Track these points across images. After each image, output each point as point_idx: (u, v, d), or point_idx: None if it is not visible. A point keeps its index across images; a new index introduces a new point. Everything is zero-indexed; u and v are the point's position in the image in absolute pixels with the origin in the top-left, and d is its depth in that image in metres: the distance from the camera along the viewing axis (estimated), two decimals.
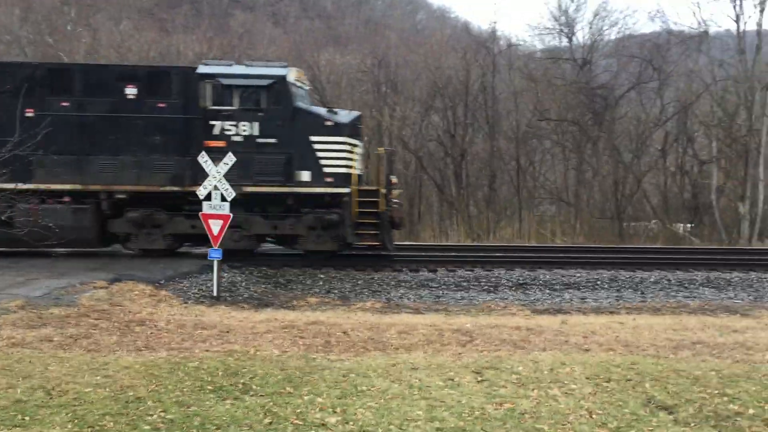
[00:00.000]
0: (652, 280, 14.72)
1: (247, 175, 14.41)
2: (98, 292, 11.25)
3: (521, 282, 14.52)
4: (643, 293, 13.97)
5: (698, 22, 57.28)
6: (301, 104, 15.22)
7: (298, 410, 5.84)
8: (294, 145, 14.68)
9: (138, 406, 5.91)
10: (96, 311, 10.13)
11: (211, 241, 12.17)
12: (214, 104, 14.61)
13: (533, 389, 6.54)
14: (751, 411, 6.02)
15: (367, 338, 8.96)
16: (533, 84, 34.68)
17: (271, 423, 5.59)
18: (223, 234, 12.21)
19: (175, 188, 14.64)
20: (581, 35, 43.26)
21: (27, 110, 14.36)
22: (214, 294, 12.26)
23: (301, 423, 5.58)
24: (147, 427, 5.47)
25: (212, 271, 12.35)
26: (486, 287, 14.20)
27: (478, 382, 6.79)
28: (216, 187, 12.33)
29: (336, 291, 13.80)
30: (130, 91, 14.61)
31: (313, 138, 14.69)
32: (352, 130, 15.26)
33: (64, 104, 14.57)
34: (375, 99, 33.33)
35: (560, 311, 12.29)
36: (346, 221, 15.02)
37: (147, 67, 16.08)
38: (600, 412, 5.93)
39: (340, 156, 14.81)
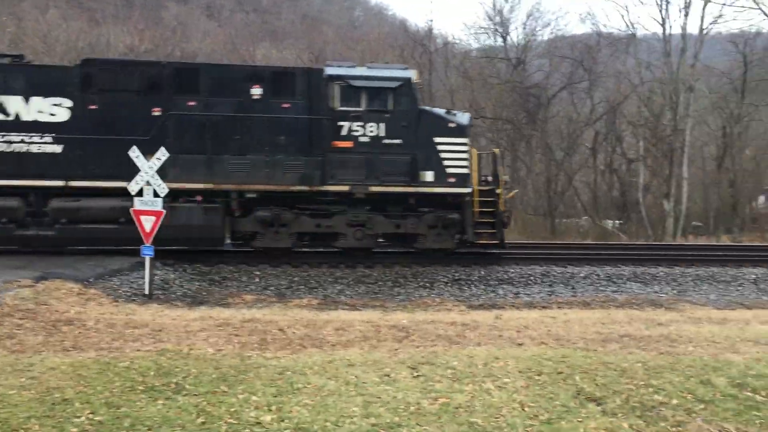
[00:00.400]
0: (582, 275, 15.12)
1: (374, 175, 14.75)
2: (23, 291, 10.81)
3: (457, 278, 14.69)
4: (573, 288, 14.34)
5: (626, 24, 59.23)
6: (424, 106, 15.51)
7: (233, 409, 5.77)
8: (418, 146, 14.86)
9: (65, 408, 5.73)
10: (21, 311, 9.74)
11: (143, 237, 11.89)
12: (342, 105, 14.75)
13: (468, 383, 6.63)
14: (674, 401, 6.26)
15: (303, 335, 8.92)
16: (469, 82, 35.20)
17: (204, 423, 5.50)
18: (155, 230, 11.94)
19: (305, 188, 14.75)
20: (515, 35, 44.16)
21: (154, 109, 14.34)
22: (146, 292, 11.98)
23: (235, 422, 5.51)
24: (74, 430, 5.31)
25: (144, 268, 12.06)
26: (422, 283, 14.31)
27: (414, 377, 6.84)
28: (149, 183, 12.06)
29: (272, 288, 13.67)
30: (256, 91, 14.64)
31: (437, 139, 14.91)
32: (469, 131, 15.60)
33: (191, 104, 14.51)
34: None
35: (495, 306, 12.51)
36: (467, 220, 15.35)
37: (272, 68, 16.22)
38: (532, 404, 6.07)
39: (461, 157, 15.03)
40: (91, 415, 5.58)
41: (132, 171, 13.00)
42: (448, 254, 15.79)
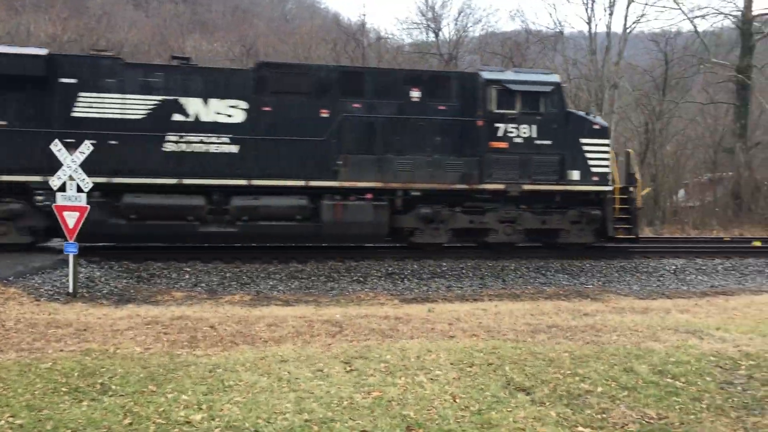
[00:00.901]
0: (512, 267, 15.41)
1: (526, 174, 15.72)
2: None
3: (390, 272, 14.76)
4: (504, 281, 14.61)
5: (554, 22, 60.70)
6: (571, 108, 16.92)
7: (161, 409, 5.64)
8: (566, 146, 15.90)
9: None
10: None
11: (66, 234, 11.48)
12: (498, 108, 15.65)
13: (401, 377, 6.68)
14: (599, 389, 6.46)
15: (235, 332, 8.80)
16: None
17: (131, 423, 5.36)
18: (79, 227, 11.55)
19: (464, 186, 15.58)
20: (447, 31, 44.61)
21: (322, 111, 15.01)
22: (70, 290, 11.58)
23: (163, 422, 5.39)
24: None
25: (68, 266, 11.65)
26: (356, 278, 14.32)
27: (347, 372, 6.85)
28: (71, 178, 11.66)
29: (203, 284, 13.42)
30: (414, 94, 15.45)
31: (583, 140, 16.02)
32: (610, 132, 16.69)
33: (356, 105, 15.20)
34: None
35: (427, 300, 12.64)
36: (608, 216, 16.40)
37: (429, 72, 17.75)
38: (463, 396, 6.15)
39: (604, 157, 16.22)
40: (11, 419, 5.36)
41: (305, 171, 14.71)
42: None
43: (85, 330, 8.63)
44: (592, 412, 5.85)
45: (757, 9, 32.66)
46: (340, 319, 9.76)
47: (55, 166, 11.86)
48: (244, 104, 14.60)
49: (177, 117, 14.29)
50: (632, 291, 14.09)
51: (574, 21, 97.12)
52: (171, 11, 52.93)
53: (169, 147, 14.19)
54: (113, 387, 6.16)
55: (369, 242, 15.98)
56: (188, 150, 14.27)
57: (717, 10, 44.77)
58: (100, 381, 6.29)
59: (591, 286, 14.37)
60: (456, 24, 46.01)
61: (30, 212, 13.74)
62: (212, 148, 14.36)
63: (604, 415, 5.78)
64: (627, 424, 5.58)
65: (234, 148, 14.46)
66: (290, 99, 14.82)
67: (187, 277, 13.75)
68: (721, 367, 7.34)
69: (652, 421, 5.69)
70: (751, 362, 7.55)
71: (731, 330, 9.45)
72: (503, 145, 15.61)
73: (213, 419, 5.46)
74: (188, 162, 14.23)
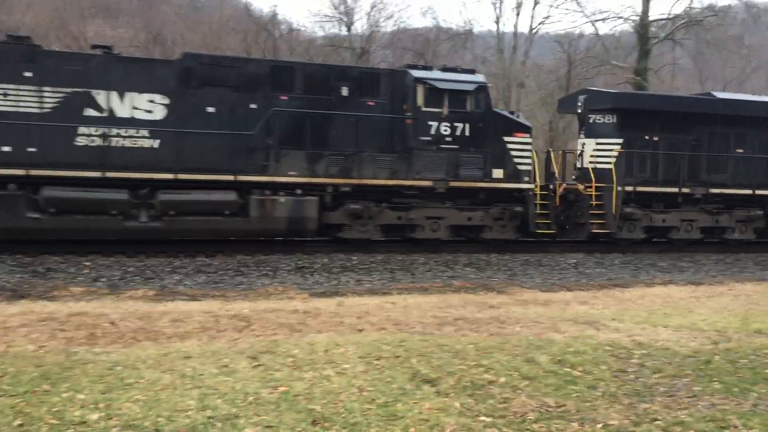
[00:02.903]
0: (421, 261, 15.62)
1: None
2: None
3: (300, 266, 14.67)
4: (413, 274, 14.79)
5: (464, 21, 61.77)
6: None
7: (55, 409, 5.39)
8: None
9: None
10: None
11: None
12: None
13: (308, 371, 6.64)
14: (502, 379, 6.63)
15: (137, 328, 8.53)
16: None
17: (22, 425, 5.09)
18: None
19: None
20: (360, 25, 44.65)
21: None
22: None
23: (57, 422, 5.15)
24: None
25: None
26: (265, 272, 14.15)
27: (254, 367, 6.75)
28: None
29: (104, 279, 12.93)
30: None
31: None
32: None
33: None
34: None
35: (337, 294, 12.61)
36: None
37: None
38: (370, 388, 6.18)
39: None
40: None
41: None
42: None
43: None
44: (495, 401, 6.00)
45: (653, 14, 34.26)
46: (248, 314, 9.63)
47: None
48: None
49: None
50: (536, 284, 14.53)
51: (483, 20, 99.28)
52: None
53: None
54: (3, 387, 5.83)
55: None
56: None
57: (617, 14, 46.80)
58: None
59: (497, 280, 14.73)
60: (368, 18, 46.18)
61: (761, 218, 19.63)
62: None
63: (506, 405, 5.93)
64: (527, 413, 5.75)
65: None
66: None
67: (86, 271, 13.22)
68: (615, 356, 7.68)
69: (550, 409, 5.88)
70: (643, 351, 7.95)
71: (625, 320, 9.92)
72: None
73: (110, 418, 5.26)
74: None
